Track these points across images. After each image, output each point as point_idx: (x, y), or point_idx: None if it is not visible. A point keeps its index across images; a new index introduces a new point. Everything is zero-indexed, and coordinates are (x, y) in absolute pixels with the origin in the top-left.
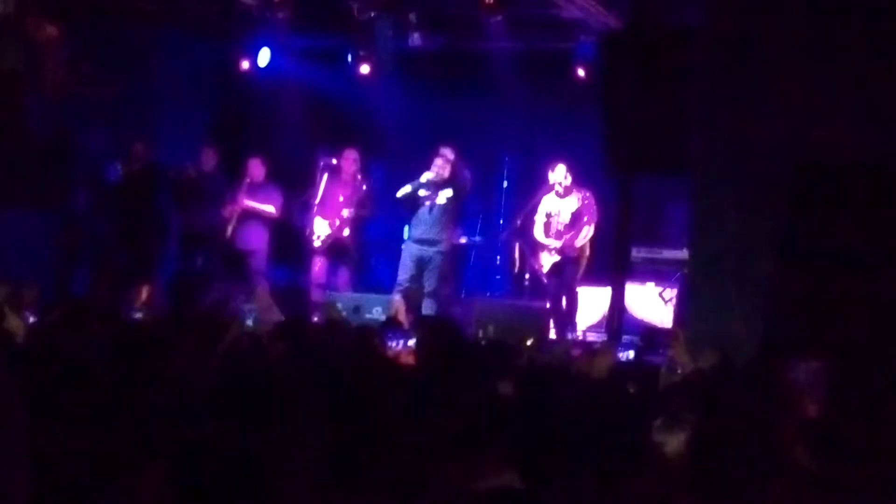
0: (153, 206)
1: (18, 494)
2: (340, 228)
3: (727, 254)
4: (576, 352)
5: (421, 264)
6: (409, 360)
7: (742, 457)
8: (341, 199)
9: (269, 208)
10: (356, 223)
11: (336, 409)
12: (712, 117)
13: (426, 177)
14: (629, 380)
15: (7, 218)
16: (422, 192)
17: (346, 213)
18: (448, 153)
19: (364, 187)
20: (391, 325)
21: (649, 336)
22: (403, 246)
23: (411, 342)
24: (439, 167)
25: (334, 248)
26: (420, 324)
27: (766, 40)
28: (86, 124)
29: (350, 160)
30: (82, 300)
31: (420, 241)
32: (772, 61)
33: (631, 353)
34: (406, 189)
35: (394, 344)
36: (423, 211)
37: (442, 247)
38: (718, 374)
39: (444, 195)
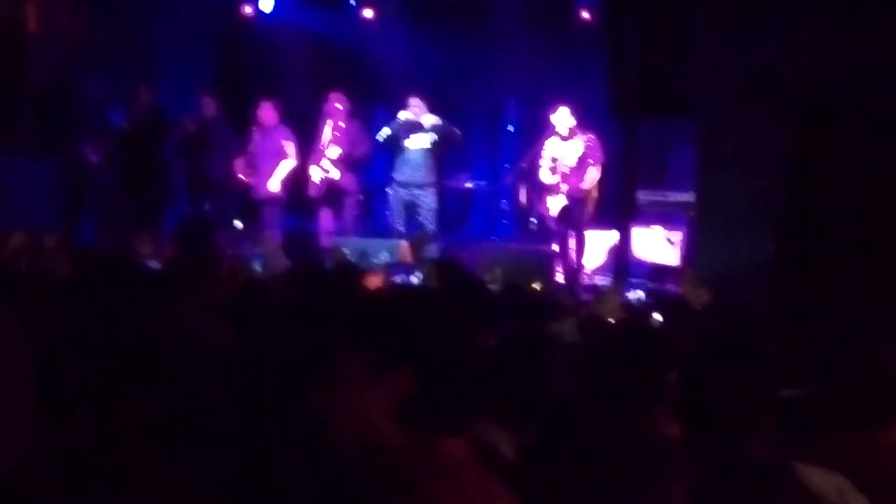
0: (158, 152)
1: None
2: (329, 172)
3: (732, 198)
4: (585, 294)
5: (410, 208)
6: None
7: (729, 388)
8: (328, 143)
9: (286, 165)
10: (351, 165)
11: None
12: (718, 60)
13: (403, 116)
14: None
15: (12, 165)
16: (401, 134)
17: (334, 155)
18: (418, 102)
19: (353, 127)
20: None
21: (657, 273)
22: (388, 189)
23: (414, 278)
24: (414, 107)
25: (333, 192)
26: (429, 264)
27: None
28: (88, 71)
29: (334, 102)
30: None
31: (404, 185)
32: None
33: (641, 293)
34: (385, 131)
35: (399, 280)
36: (405, 154)
37: (430, 189)
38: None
39: (428, 139)
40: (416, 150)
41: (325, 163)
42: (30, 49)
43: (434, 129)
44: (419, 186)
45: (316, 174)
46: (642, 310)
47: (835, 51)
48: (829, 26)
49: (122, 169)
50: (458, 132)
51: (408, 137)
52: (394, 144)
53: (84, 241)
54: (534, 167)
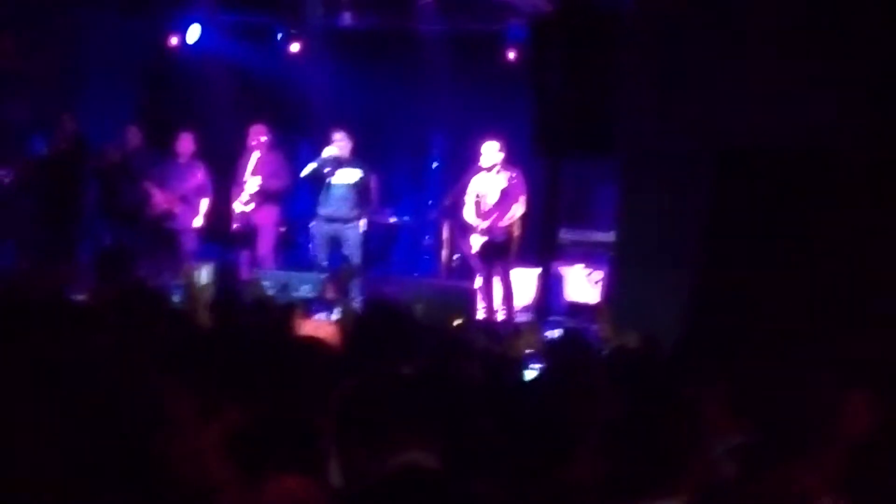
0: (78, 181)
1: None
2: (248, 204)
3: (652, 236)
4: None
5: (334, 242)
6: (328, 331)
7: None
8: (249, 174)
9: (205, 202)
10: (270, 197)
11: (251, 384)
12: (638, 100)
13: (328, 152)
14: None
15: None
16: (326, 170)
17: (254, 186)
18: (342, 137)
19: (273, 159)
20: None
21: (576, 311)
22: (313, 224)
23: (334, 315)
24: (339, 142)
25: (252, 224)
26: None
27: (693, 23)
28: (9, 98)
29: (256, 135)
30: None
31: (330, 220)
32: (697, 44)
33: (557, 332)
34: (310, 167)
35: (320, 316)
36: (330, 189)
37: (354, 224)
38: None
39: (353, 174)
40: (341, 185)
41: (244, 196)
42: None
43: (357, 163)
44: (343, 221)
45: (238, 209)
46: (557, 348)
47: (751, 93)
48: (747, 69)
49: (41, 195)
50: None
51: (333, 173)
52: (318, 179)
53: (1, 266)
54: (458, 204)
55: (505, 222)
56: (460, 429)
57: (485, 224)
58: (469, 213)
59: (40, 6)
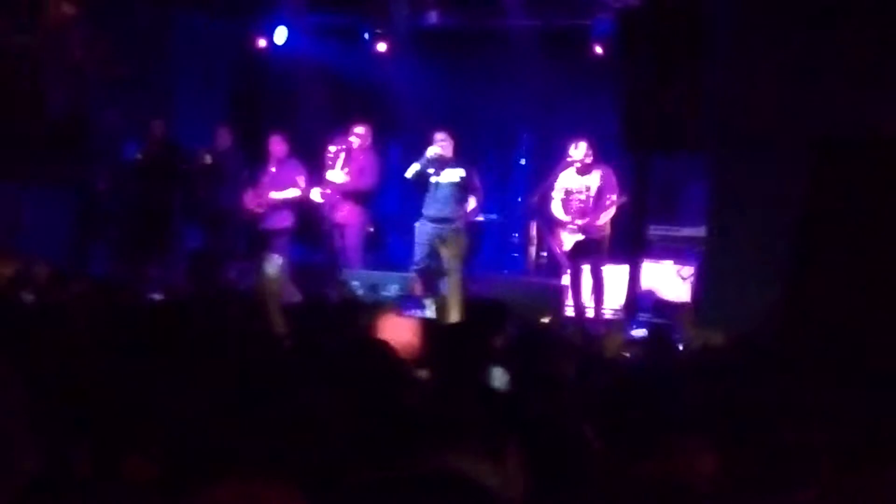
0: (170, 185)
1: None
2: (331, 199)
3: (743, 231)
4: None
5: (435, 243)
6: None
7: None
8: (341, 175)
9: (293, 191)
10: (359, 197)
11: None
12: (728, 95)
13: (431, 151)
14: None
15: (26, 196)
16: (430, 171)
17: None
18: (444, 137)
19: (365, 159)
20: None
21: (661, 308)
22: (417, 224)
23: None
24: (441, 142)
25: (343, 224)
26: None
27: (785, 13)
28: (103, 103)
29: (354, 133)
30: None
31: (434, 220)
32: (791, 34)
33: (644, 331)
34: (414, 168)
35: (410, 314)
36: (434, 189)
37: (457, 224)
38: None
39: (456, 174)
40: (446, 185)
41: (333, 197)
42: (46, 80)
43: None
44: (446, 221)
45: (316, 195)
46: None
47: (845, 85)
48: (842, 60)
49: (134, 200)
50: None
51: (437, 173)
52: (422, 179)
53: (96, 271)
54: (546, 200)
55: (600, 221)
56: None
57: (579, 222)
58: (558, 210)
59: (130, 11)
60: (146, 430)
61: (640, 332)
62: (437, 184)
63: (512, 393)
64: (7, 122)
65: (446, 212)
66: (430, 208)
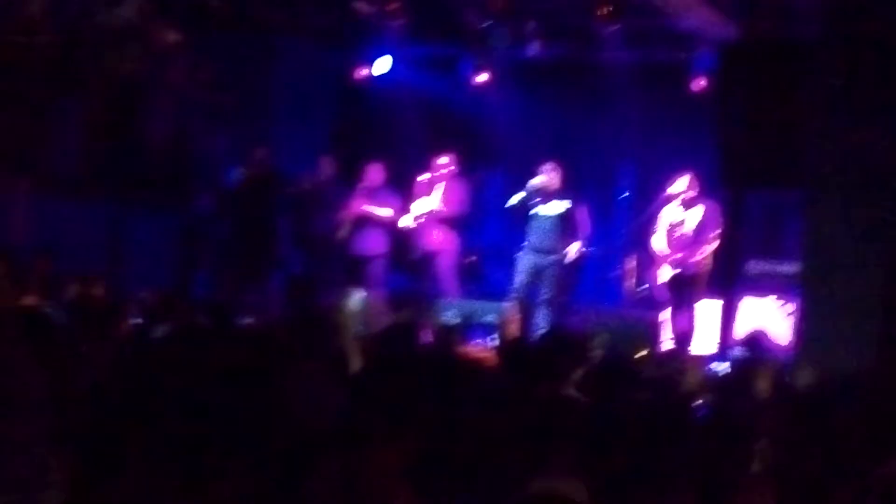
0: (271, 211)
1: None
2: (431, 233)
3: (839, 270)
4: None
5: (536, 273)
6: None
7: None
8: (432, 203)
9: (387, 211)
10: (451, 225)
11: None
12: (827, 133)
13: (537, 181)
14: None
15: (130, 221)
16: (535, 201)
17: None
18: (551, 169)
19: (457, 188)
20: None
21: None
22: (520, 254)
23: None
24: (548, 173)
25: (436, 251)
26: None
27: (884, 52)
28: (206, 130)
29: (442, 163)
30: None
31: (537, 251)
32: (887, 71)
33: (724, 366)
34: (518, 197)
35: (479, 341)
36: (537, 220)
37: (558, 256)
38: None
39: (562, 205)
40: (547, 217)
41: (426, 226)
42: (150, 107)
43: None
44: (548, 252)
45: (407, 221)
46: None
47: None
48: None
49: (236, 225)
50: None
51: (540, 204)
52: (524, 210)
53: (198, 295)
54: (647, 234)
55: (699, 256)
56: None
57: (678, 256)
58: (660, 243)
59: (234, 39)
60: (235, 458)
61: (723, 367)
62: (541, 215)
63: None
64: (113, 149)
65: (548, 243)
66: (533, 238)
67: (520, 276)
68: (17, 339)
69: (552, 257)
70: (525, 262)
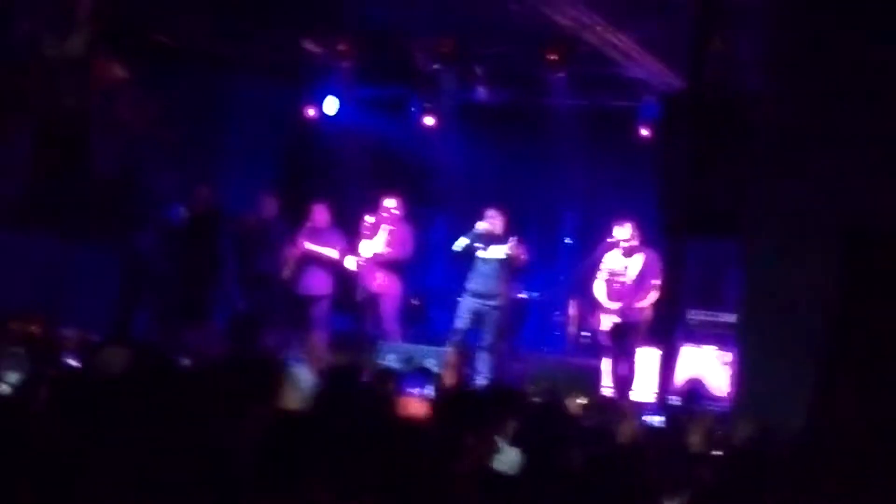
0: (214, 249)
1: None
2: (374, 275)
3: (776, 320)
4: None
5: (478, 318)
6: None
7: None
8: (376, 246)
9: (331, 252)
10: (395, 268)
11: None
12: (766, 185)
13: (480, 227)
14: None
15: (71, 255)
16: (477, 245)
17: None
18: (494, 213)
19: (402, 231)
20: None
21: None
22: (460, 298)
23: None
24: (491, 219)
25: (379, 293)
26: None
27: (824, 105)
28: (151, 165)
29: (387, 205)
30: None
31: (477, 295)
32: (827, 127)
33: (657, 419)
34: (461, 242)
35: (411, 389)
36: (479, 264)
37: (499, 301)
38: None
39: (502, 250)
40: (491, 261)
41: (368, 269)
42: (94, 141)
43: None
44: (489, 297)
45: (351, 263)
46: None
47: (883, 184)
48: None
49: (177, 263)
50: (525, 256)
51: (484, 248)
52: (468, 254)
53: (137, 333)
54: (588, 281)
55: (639, 304)
56: None
57: (617, 305)
58: (600, 292)
59: (180, 74)
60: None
61: (656, 420)
62: (483, 259)
63: (518, 478)
64: (55, 182)
65: (490, 288)
66: (474, 283)
67: (460, 321)
68: None
69: (493, 302)
70: (466, 306)
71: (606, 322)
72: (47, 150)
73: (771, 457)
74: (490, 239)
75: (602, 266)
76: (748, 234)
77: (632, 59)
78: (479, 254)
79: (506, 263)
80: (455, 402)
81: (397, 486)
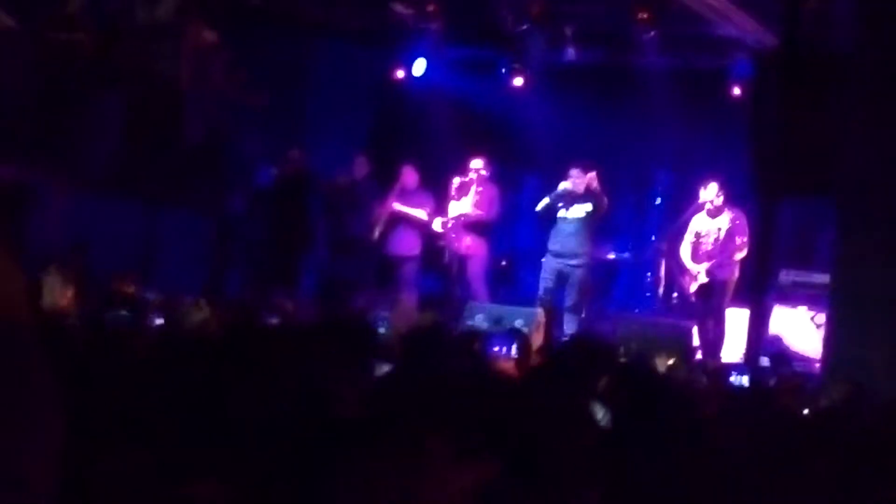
0: (304, 211)
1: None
2: (462, 237)
3: (869, 281)
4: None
5: (560, 278)
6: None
7: None
8: (463, 207)
9: (420, 213)
10: (481, 229)
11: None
12: (863, 144)
13: (563, 186)
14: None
15: (165, 220)
16: (559, 204)
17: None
18: (578, 173)
19: (488, 192)
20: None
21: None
22: (543, 259)
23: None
24: (574, 178)
25: (466, 255)
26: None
27: None
28: (241, 130)
29: (474, 167)
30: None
31: (558, 255)
32: None
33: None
34: (544, 202)
35: (497, 349)
36: (560, 224)
37: (581, 260)
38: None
39: (583, 209)
40: (572, 221)
41: (452, 230)
42: (185, 106)
43: (589, 196)
44: (571, 257)
45: (437, 225)
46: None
47: None
48: None
49: (267, 226)
50: (605, 199)
51: (566, 208)
52: (552, 214)
53: (229, 295)
54: (676, 242)
55: (725, 264)
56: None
57: (704, 266)
58: (685, 254)
59: (270, 39)
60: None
61: (745, 380)
62: (565, 218)
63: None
64: (147, 147)
65: (570, 247)
66: (555, 243)
67: (544, 282)
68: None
69: (574, 262)
70: (548, 266)
71: (694, 282)
72: (140, 117)
73: (862, 420)
74: (572, 199)
75: (689, 228)
76: (843, 193)
77: (724, 16)
78: (561, 213)
79: (588, 222)
80: (546, 363)
81: (514, 445)
